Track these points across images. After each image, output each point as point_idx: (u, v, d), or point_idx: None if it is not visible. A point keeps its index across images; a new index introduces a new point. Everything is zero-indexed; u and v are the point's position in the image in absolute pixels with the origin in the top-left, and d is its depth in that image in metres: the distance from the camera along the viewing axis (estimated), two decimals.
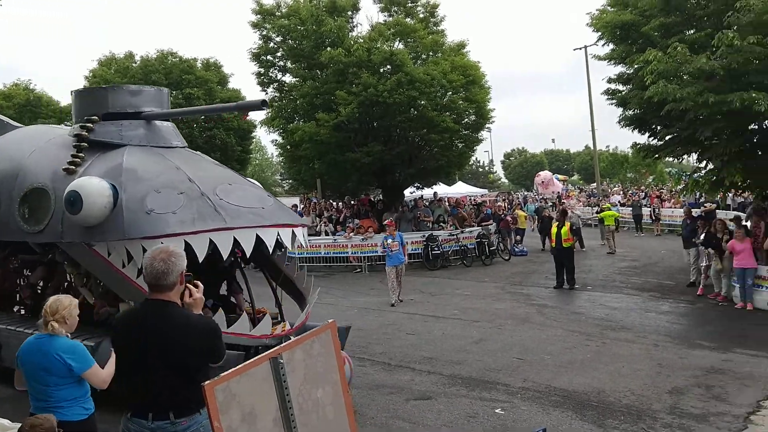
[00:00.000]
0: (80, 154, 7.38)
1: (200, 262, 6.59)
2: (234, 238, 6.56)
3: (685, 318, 11.88)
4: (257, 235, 6.68)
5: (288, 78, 23.62)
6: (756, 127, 13.35)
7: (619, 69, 15.86)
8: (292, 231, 7.09)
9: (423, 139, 22.23)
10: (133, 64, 28.44)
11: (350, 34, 22.38)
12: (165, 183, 6.92)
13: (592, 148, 43.42)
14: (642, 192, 37.62)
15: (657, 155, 16.80)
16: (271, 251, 7.13)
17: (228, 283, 8.45)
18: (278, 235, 6.87)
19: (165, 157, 7.52)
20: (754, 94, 10.85)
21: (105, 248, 6.70)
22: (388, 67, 20.91)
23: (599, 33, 15.51)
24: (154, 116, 7.95)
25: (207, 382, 2.85)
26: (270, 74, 23.55)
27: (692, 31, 13.58)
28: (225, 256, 6.63)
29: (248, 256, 6.93)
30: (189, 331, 3.47)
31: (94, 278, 7.59)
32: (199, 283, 3.78)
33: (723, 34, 11.21)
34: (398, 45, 21.99)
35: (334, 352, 3.41)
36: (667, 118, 13.12)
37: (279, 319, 7.73)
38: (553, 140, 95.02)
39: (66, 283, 8.76)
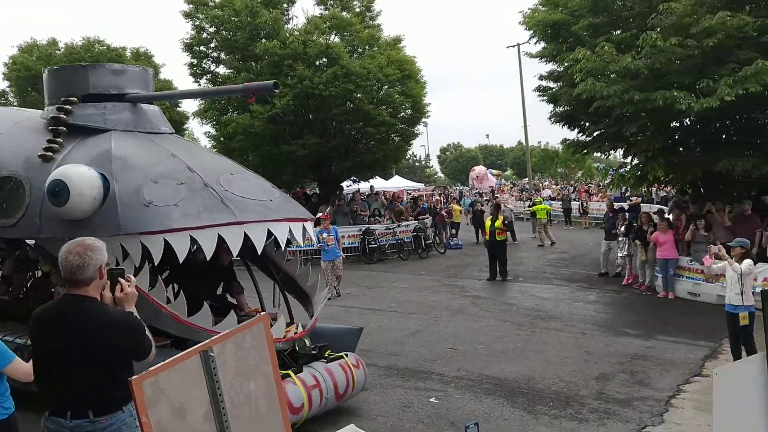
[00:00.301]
0: (58, 140, 6.60)
1: (208, 260, 6.07)
2: (244, 233, 5.98)
3: (611, 307, 12.33)
4: (268, 230, 6.15)
5: (222, 69, 23.21)
6: (677, 124, 13.93)
7: (550, 66, 16.28)
8: (303, 226, 6.57)
9: (359, 132, 22.27)
10: (57, 51, 27.35)
11: (286, 26, 22.18)
12: (162, 172, 6.26)
13: (524, 143, 44.38)
14: (571, 186, 38.76)
15: (585, 151, 17.33)
16: (283, 247, 6.59)
17: (228, 282, 7.76)
18: (290, 230, 6.36)
19: (157, 143, 6.85)
20: (675, 93, 11.31)
21: None
22: (324, 60, 20.84)
23: (531, 31, 15.84)
24: (141, 99, 7.20)
25: (134, 377, 2.77)
26: (203, 65, 23.12)
27: (619, 32, 14.04)
28: (235, 253, 6.07)
29: (259, 253, 6.30)
30: (111, 327, 3.36)
31: None
32: (131, 277, 3.66)
33: (647, 35, 11.65)
34: (334, 38, 21.93)
35: (266, 345, 3.37)
36: (595, 114, 13.55)
37: (290, 321, 7.21)
38: (487, 135, 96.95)
39: (31, 281, 8.11)
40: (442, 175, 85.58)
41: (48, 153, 6.48)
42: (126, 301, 3.55)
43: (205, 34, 22.55)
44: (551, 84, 16.42)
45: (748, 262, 7.71)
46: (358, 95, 20.95)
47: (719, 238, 11.39)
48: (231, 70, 22.30)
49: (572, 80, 13.17)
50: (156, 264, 5.94)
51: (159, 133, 7.20)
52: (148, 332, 3.58)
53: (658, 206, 21.08)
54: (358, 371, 6.82)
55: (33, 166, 6.48)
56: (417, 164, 74.58)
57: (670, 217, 13.94)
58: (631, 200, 21.84)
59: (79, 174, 5.87)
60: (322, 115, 21.30)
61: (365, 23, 22.66)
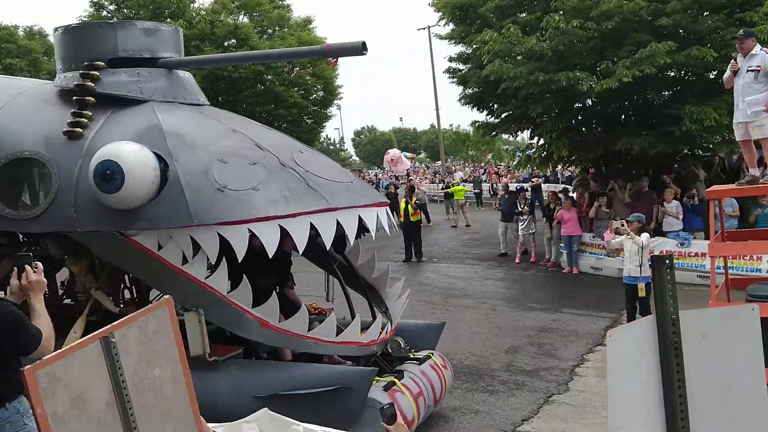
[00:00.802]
0: (86, 113, 5.51)
1: (300, 253, 5.29)
2: (337, 221, 5.22)
3: (519, 284, 12.74)
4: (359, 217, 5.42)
5: None
6: (580, 105, 14.47)
7: (460, 48, 16.47)
8: (386, 210, 5.89)
9: (270, 115, 21.93)
10: None
11: (192, 5, 21.48)
12: (228, 150, 5.34)
13: (436, 126, 45.02)
14: (482, 169, 39.72)
15: (494, 132, 17.72)
16: (374, 236, 5.88)
17: (285, 275, 6.96)
18: (378, 216, 5.63)
19: (209, 116, 5.96)
20: (578, 74, 11.74)
21: (152, 239, 5.06)
22: (233, 41, 20.36)
23: (440, 13, 15.97)
24: (177, 63, 6.17)
25: (27, 367, 2.61)
26: None
27: (524, 14, 14.39)
28: (329, 245, 5.25)
29: (351, 244, 5.66)
30: None
31: (108, 278, 5.92)
32: (38, 264, 3.39)
33: (550, 17, 12.02)
34: (243, 19, 21.43)
35: (171, 330, 3.26)
36: (502, 96, 13.86)
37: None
38: (401, 119, 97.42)
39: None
40: (357, 159, 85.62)
41: (76, 129, 5.40)
42: (32, 289, 3.32)
43: (104, 12, 21.51)
44: (461, 66, 16.62)
45: (645, 235, 8.14)
46: (269, 77, 20.63)
47: (619, 213, 11.93)
48: None
49: (480, 62, 13.40)
50: (240, 260, 5.04)
51: (200, 104, 6.28)
52: (46, 323, 3.35)
53: (563, 185, 21.89)
54: (447, 372, 6.23)
55: (57, 145, 5.40)
56: (331, 147, 74.10)
57: (574, 195, 14.50)
58: (532, 181, 22.62)
59: (133, 153, 4.92)
60: (231, 98, 20.82)
61: (275, 3, 22.29)
